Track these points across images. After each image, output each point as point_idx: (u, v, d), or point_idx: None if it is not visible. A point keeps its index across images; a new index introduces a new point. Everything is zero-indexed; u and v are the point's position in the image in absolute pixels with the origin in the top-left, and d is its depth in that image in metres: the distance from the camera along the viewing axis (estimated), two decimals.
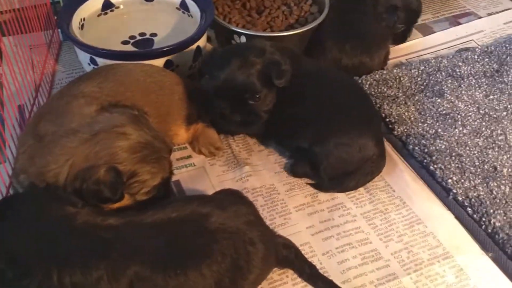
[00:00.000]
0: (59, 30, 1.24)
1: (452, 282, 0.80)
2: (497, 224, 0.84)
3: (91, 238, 0.66)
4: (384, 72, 1.14)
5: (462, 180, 0.92)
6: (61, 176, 0.72)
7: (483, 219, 0.86)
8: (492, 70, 1.16)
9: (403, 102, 1.08)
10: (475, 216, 0.87)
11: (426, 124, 1.03)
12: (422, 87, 1.12)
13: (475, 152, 0.97)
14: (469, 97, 1.09)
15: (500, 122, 1.03)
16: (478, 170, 0.93)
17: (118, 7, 1.19)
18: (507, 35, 1.29)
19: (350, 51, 1.12)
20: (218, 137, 1.02)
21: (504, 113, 1.05)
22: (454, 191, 0.91)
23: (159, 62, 1.02)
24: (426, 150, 0.98)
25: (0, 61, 1.07)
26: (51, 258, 0.63)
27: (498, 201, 0.88)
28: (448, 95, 1.09)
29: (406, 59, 1.22)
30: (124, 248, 0.65)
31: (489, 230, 0.85)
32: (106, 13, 1.17)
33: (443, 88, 1.11)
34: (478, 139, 0.99)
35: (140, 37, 1.16)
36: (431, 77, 1.14)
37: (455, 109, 1.06)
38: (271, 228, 0.84)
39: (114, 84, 0.85)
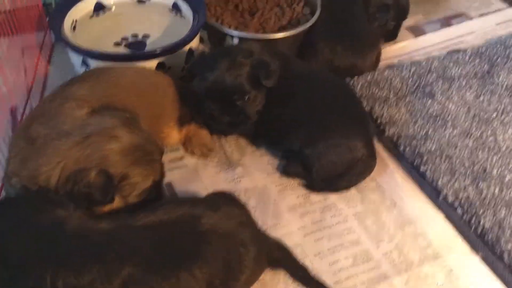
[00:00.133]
0: (51, 31, 1.23)
1: (442, 282, 0.81)
2: (487, 225, 0.85)
3: (83, 241, 0.66)
4: (376, 73, 1.15)
5: (452, 181, 0.93)
6: (52, 178, 0.72)
7: (473, 220, 0.87)
8: (482, 71, 1.17)
9: (394, 103, 1.09)
10: (465, 217, 0.88)
11: (417, 125, 1.04)
12: (413, 88, 1.13)
13: (465, 153, 0.97)
14: (460, 98, 1.09)
15: (490, 124, 1.04)
16: (468, 171, 0.94)
17: (110, 9, 1.19)
18: (498, 36, 1.29)
19: (342, 52, 1.13)
20: (211, 138, 1.02)
21: (494, 114, 1.06)
22: (445, 192, 0.91)
23: (152, 64, 1.02)
24: (416, 151, 0.99)
25: None
26: (44, 261, 0.63)
27: (487, 202, 0.88)
28: (438, 96, 1.10)
29: (397, 61, 1.22)
30: (117, 251, 0.65)
31: (479, 231, 0.85)
32: (98, 15, 1.17)
33: (434, 89, 1.12)
34: (468, 140, 1.00)
35: (133, 39, 1.16)
36: (422, 78, 1.15)
37: (445, 110, 1.07)
38: (263, 229, 0.84)
39: (106, 86, 0.86)
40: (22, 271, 0.62)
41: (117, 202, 0.75)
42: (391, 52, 1.26)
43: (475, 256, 0.85)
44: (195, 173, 0.98)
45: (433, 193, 0.93)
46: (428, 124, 1.04)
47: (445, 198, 0.91)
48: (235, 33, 1.13)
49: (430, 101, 1.09)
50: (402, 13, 1.28)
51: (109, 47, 1.13)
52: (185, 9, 1.16)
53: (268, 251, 0.78)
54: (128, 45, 1.14)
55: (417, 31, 1.35)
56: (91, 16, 1.17)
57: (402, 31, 1.31)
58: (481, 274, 0.83)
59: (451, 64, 1.18)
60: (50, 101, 0.82)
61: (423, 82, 1.14)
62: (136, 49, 1.14)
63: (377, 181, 0.97)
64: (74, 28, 1.11)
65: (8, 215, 0.68)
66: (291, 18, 1.22)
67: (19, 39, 1.04)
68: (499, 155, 0.97)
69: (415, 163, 0.98)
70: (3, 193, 0.83)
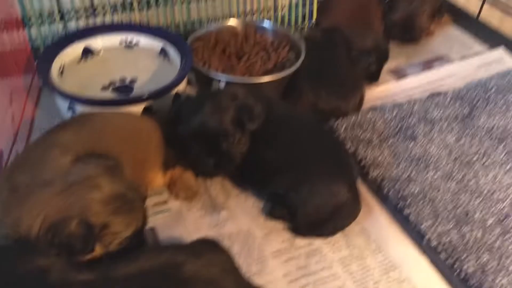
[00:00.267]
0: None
1: None
2: (469, 270, 0.85)
3: None
4: (359, 115, 1.17)
5: (436, 225, 0.93)
6: (34, 228, 0.71)
7: (456, 264, 0.87)
8: (463, 114, 1.19)
9: (378, 145, 1.11)
10: (448, 261, 0.88)
11: (400, 168, 1.05)
12: (396, 130, 1.15)
13: (448, 196, 0.99)
14: (441, 141, 1.11)
15: (471, 166, 1.05)
16: (451, 214, 0.95)
17: (98, 54, 1.21)
18: (478, 78, 1.32)
19: (326, 96, 1.15)
20: (195, 181, 1.02)
21: (475, 157, 1.07)
22: (428, 236, 0.92)
23: (138, 108, 1.04)
24: (400, 194, 1.00)
25: None
26: None
27: (470, 246, 0.89)
28: (420, 139, 1.12)
29: (380, 103, 1.25)
30: None
31: (462, 276, 0.85)
32: (86, 59, 1.19)
33: (416, 132, 1.14)
34: (450, 183, 1.01)
35: (120, 83, 1.18)
36: (404, 120, 1.17)
37: (427, 153, 1.08)
38: (248, 276, 0.83)
39: (91, 132, 0.86)
40: None
41: (98, 251, 0.75)
42: (374, 94, 1.29)
43: None
44: (179, 217, 0.98)
45: (418, 236, 0.94)
46: (411, 166, 1.05)
47: (429, 242, 0.91)
48: (221, 77, 1.15)
49: (412, 143, 1.11)
50: (383, 56, 1.32)
51: (96, 92, 1.14)
52: (173, 53, 1.19)
53: None
54: (115, 90, 1.16)
55: (399, 74, 1.38)
56: (79, 61, 1.18)
57: (385, 74, 1.35)
58: None
59: (432, 107, 1.21)
60: (34, 148, 0.83)
61: (405, 125, 1.16)
62: (124, 93, 1.15)
63: (362, 224, 0.97)
64: (62, 72, 1.13)
65: None
66: (276, 62, 1.25)
67: (6, 82, 1.05)
68: (480, 199, 0.98)
69: (399, 206, 0.98)
70: None
